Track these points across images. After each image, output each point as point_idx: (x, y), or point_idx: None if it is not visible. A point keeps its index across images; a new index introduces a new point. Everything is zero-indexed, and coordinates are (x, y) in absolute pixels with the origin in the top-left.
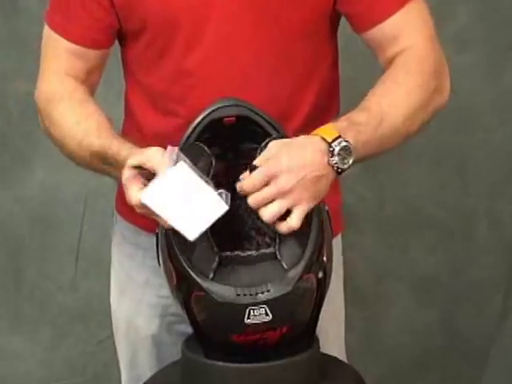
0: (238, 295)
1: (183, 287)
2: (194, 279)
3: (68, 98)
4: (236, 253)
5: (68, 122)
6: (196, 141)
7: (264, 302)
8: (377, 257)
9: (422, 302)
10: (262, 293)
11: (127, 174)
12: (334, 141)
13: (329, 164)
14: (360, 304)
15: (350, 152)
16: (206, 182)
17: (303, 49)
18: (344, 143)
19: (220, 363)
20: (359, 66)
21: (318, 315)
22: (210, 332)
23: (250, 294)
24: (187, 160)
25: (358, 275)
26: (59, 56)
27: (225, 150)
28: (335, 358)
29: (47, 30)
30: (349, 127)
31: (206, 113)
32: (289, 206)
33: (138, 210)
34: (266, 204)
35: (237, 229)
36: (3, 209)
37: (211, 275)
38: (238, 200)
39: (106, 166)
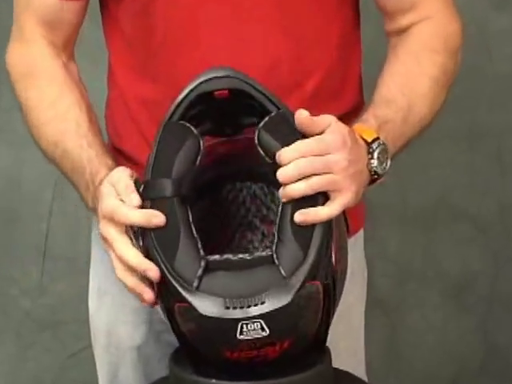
0: (228, 308)
1: (164, 295)
2: (176, 289)
3: (48, 81)
4: (226, 256)
5: (44, 117)
6: (183, 116)
7: (259, 316)
8: (398, 255)
9: (454, 309)
10: (256, 305)
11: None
12: (373, 142)
13: (366, 167)
14: (378, 310)
15: (387, 156)
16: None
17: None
18: (383, 146)
19: (213, 381)
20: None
21: (327, 327)
22: (198, 346)
23: (241, 307)
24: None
25: (376, 276)
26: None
27: (219, 125)
28: (350, 374)
29: None
30: (380, 127)
31: (193, 85)
32: (330, 187)
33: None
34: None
35: (230, 225)
36: None
37: (196, 283)
38: (238, 183)
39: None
